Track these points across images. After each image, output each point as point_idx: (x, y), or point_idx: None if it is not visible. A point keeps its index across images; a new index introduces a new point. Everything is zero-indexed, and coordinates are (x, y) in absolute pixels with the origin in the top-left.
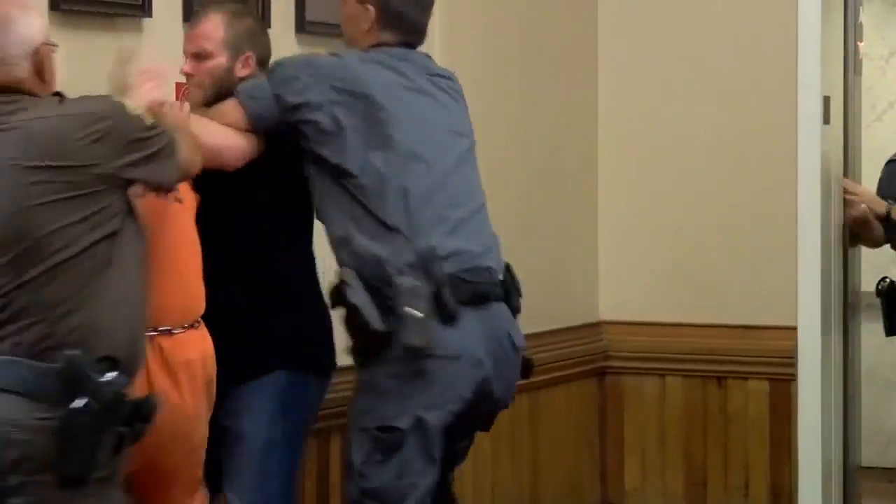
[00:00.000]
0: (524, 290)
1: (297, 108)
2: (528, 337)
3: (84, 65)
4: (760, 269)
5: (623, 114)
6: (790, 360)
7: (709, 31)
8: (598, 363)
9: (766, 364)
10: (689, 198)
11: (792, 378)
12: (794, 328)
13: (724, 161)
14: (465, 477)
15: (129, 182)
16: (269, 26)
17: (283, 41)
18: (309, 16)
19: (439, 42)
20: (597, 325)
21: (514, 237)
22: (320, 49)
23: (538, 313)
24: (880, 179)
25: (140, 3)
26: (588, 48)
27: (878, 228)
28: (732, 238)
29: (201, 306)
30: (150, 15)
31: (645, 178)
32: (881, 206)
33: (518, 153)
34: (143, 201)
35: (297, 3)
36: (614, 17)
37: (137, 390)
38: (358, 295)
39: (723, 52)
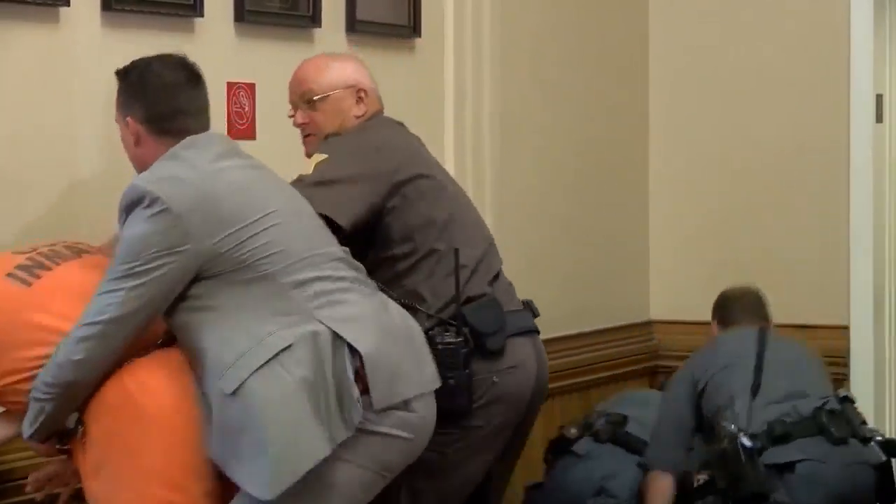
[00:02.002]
0: (575, 288)
1: None
2: (578, 336)
3: None
4: (812, 268)
5: (674, 112)
6: (842, 359)
7: (760, 29)
8: (648, 362)
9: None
10: (739, 197)
11: (844, 378)
12: (847, 327)
13: (775, 159)
14: (516, 476)
15: None
16: (320, 25)
17: (333, 40)
18: (360, 15)
19: (490, 39)
20: (647, 325)
21: (566, 236)
22: (370, 49)
23: (589, 312)
24: None
25: (192, 2)
26: (639, 46)
27: None
28: (784, 237)
29: None
30: (201, 15)
31: (696, 177)
32: None
33: (568, 152)
34: None
35: (348, 2)
36: (665, 15)
37: None
38: None
39: (774, 50)
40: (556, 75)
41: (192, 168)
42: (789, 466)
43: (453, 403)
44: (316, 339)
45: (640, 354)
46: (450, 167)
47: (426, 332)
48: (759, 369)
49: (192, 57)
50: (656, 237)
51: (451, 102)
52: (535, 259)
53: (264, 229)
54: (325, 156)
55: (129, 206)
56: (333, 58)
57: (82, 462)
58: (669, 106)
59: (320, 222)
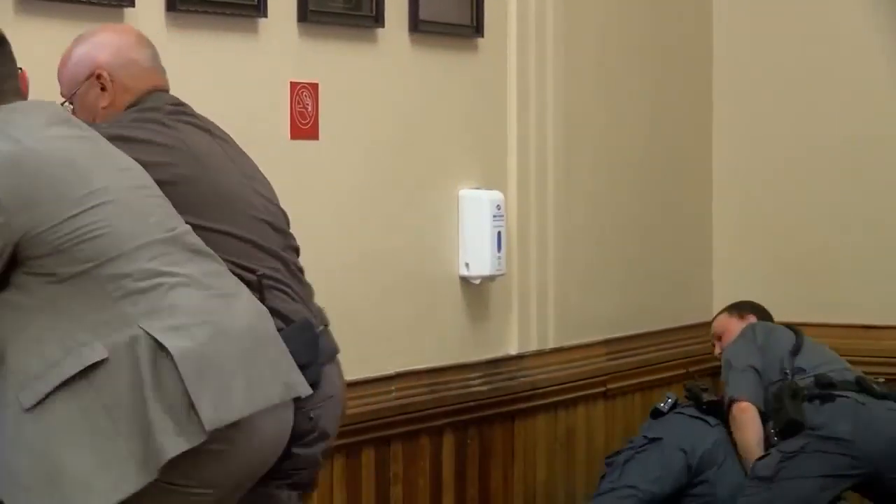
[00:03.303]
0: (638, 288)
1: None
2: (642, 336)
3: (199, 65)
4: (879, 268)
5: (739, 109)
6: None
7: (826, 22)
8: (713, 362)
9: (887, 364)
10: (805, 196)
11: None
12: None
13: (841, 157)
14: (578, 473)
15: None
16: (383, 25)
17: (397, 40)
18: (423, 14)
19: (553, 38)
20: (711, 325)
21: (629, 235)
22: (433, 49)
23: (653, 312)
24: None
25: (255, 3)
26: (703, 43)
27: None
28: (849, 236)
29: None
30: (265, 15)
31: (760, 175)
32: None
33: (632, 151)
34: None
35: (411, 2)
36: (729, 11)
37: None
38: None
39: (840, 44)
40: (620, 74)
41: (7, 136)
42: (829, 398)
43: None
44: (134, 350)
45: (704, 354)
46: (512, 166)
47: None
48: (798, 346)
49: (257, 56)
50: (720, 236)
51: (514, 102)
52: (599, 258)
53: (86, 209)
54: None
55: None
56: (76, 43)
57: None
58: (734, 103)
59: (162, 201)
